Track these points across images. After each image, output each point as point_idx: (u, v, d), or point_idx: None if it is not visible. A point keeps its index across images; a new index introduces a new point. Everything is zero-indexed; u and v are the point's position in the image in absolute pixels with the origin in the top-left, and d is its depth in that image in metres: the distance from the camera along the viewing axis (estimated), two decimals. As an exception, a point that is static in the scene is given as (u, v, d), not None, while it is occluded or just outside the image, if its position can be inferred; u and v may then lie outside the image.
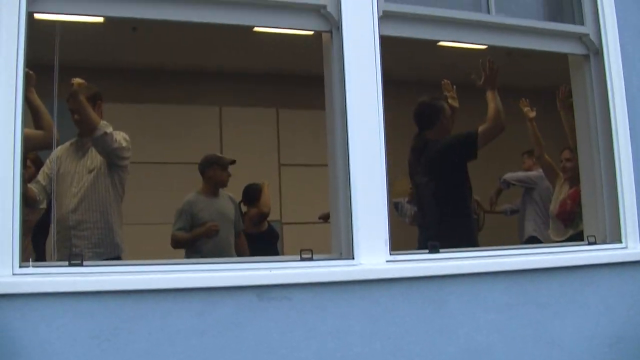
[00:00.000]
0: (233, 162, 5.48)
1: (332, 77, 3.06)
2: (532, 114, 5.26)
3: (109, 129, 3.89)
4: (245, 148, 7.53)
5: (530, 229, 5.99)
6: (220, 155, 5.52)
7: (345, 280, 2.81)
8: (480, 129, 4.06)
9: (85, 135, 4.01)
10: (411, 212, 5.26)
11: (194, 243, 5.14)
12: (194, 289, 2.59)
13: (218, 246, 5.21)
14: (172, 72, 7.58)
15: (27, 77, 3.36)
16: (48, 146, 3.79)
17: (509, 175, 6.26)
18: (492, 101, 4.13)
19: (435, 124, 4.25)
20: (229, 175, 5.45)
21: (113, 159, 3.96)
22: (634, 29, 3.65)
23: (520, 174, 6.27)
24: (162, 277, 2.58)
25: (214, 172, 5.35)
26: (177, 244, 5.16)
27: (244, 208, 5.99)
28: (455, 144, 4.13)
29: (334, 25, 3.04)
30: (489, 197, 6.54)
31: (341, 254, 2.94)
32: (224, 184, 5.46)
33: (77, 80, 3.83)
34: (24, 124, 2.56)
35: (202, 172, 5.39)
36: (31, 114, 3.60)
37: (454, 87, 4.53)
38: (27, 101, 3.49)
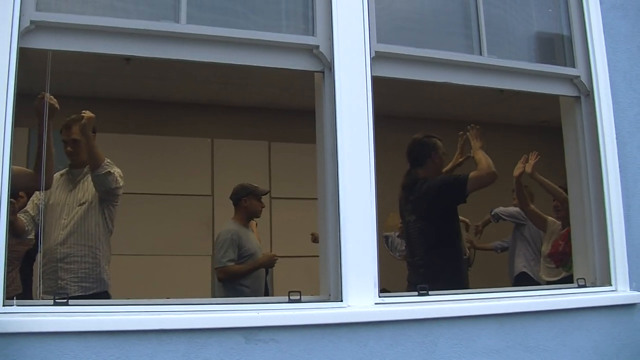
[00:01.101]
0: (267, 192, 5.48)
1: (324, 117, 3.06)
2: (518, 172, 5.34)
3: (113, 169, 3.90)
4: (236, 180, 7.51)
5: (520, 265, 6.01)
6: (255, 185, 5.47)
7: (334, 323, 2.79)
8: (472, 174, 4.07)
9: (77, 167, 4.00)
10: (401, 246, 5.25)
11: (245, 275, 5.09)
12: (179, 330, 2.56)
13: (259, 279, 5.20)
14: (164, 104, 7.60)
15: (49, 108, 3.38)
16: (36, 187, 3.77)
17: (501, 210, 6.26)
18: (482, 159, 4.16)
19: (426, 161, 4.25)
20: (263, 207, 5.45)
21: (109, 197, 3.94)
22: (624, 75, 3.69)
23: (512, 209, 6.28)
24: (147, 317, 2.56)
25: (250, 202, 5.33)
26: (229, 276, 5.07)
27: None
28: (445, 186, 4.12)
29: (327, 66, 3.06)
30: (475, 225, 6.53)
31: (330, 295, 2.92)
32: (257, 215, 5.44)
33: (88, 114, 3.81)
34: (12, 159, 2.54)
35: (238, 201, 5.35)
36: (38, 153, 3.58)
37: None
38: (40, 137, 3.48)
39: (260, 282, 5.19)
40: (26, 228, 3.95)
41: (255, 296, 4.90)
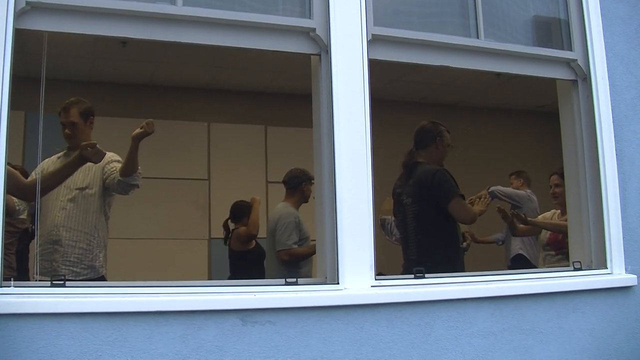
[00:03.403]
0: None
1: (320, 100, 3.06)
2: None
3: (140, 182, 3.92)
4: (232, 165, 7.53)
5: (516, 247, 6.06)
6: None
7: (330, 305, 2.80)
8: (462, 202, 4.15)
9: (75, 150, 3.98)
10: (398, 231, 5.26)
11: (307, 257, 5.21)
12: (177, 312, 2.56)
13: (310, 262, 5.27)
14: (161, 87, 7.59)
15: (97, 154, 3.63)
16: (20, 197, 3.75)
17: (498, 188, 6.26)
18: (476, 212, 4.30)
19: (429, 146, 4.28)
20: None
21: (112, 193, 3.97)
22: (621, 58, 3.68)
23: (510, 190, 6.29)
24: (144, 299, 2.56)
25: (307, 187, 5.41)
26: (293, 258, 5.17)
27: (231, 225, 5.98)
28: (437, 185, 4.12)
29: (323, 49, 3.04)
30: (469, 199, 6.54)
31: (326, 278, 2.93)
32: (307, 201, 5.51)
33: (149, 129, 3.78)
34: (8, 142, 2.53)
35: (298, 185, 5.43)
36: (60, 172, 3.74)
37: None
38: (68, 166, 3.71)
39: (310, 265, 5.26)
40: (17, 207, 3.95)
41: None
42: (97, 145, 3.66)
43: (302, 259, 5.20)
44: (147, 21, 2.83)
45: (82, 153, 3.66)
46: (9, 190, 3.35)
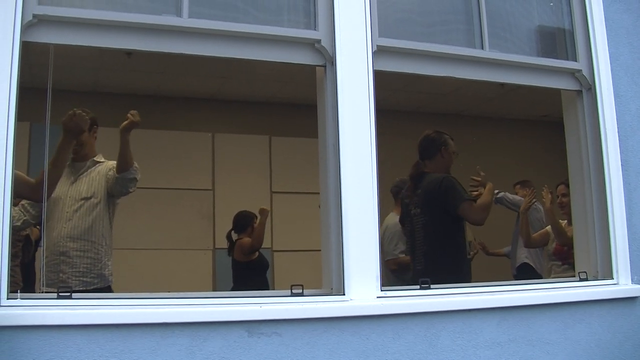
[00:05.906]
0: None
1: (326, 111, 3.06)
2: (525, 206, 5.55)
3: (139, 175, 3.91)
4: (237, 175, 7.51)
5: (522, 256, 6.02)
6: None
7: (336, 316, 2.79)
8: (473, 205, 4.08)
9: (79, 160, 3.99)
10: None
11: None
12: (183, 323, 2.56)
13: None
14: (165, 98, 7.59)
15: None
16: (33, 198, 3.74)
17: (506, 195, 6.22)
18: (488, 194, 4.23)
19: (435, 156, 4.28)
20: None
21: (118, 196, 3.97)
22: (626, 69, 3.69)
23: (517, 198, 6.25)
24: (150, 311, 2.56)
25: None
26: (402, 267, 5.12)
27: (233, 236, 5.97)
28: (444, 193, 4.10)
29: (328, 60, 3.05)
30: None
31: (332, 289, 2.93)
32: None
33: (134, 117, 3.80)
34: (15, 153, 2.54)
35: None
36: (56, 158, 3.69)
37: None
38: (60, 149, 3.65)
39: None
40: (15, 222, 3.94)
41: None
42: (76, 110, 3.65)
43: (408, 267, 5.02)
44: (153, 33, 2.85)
45: (65, 127, 3.64)
46: (19, 193, 3.36)
